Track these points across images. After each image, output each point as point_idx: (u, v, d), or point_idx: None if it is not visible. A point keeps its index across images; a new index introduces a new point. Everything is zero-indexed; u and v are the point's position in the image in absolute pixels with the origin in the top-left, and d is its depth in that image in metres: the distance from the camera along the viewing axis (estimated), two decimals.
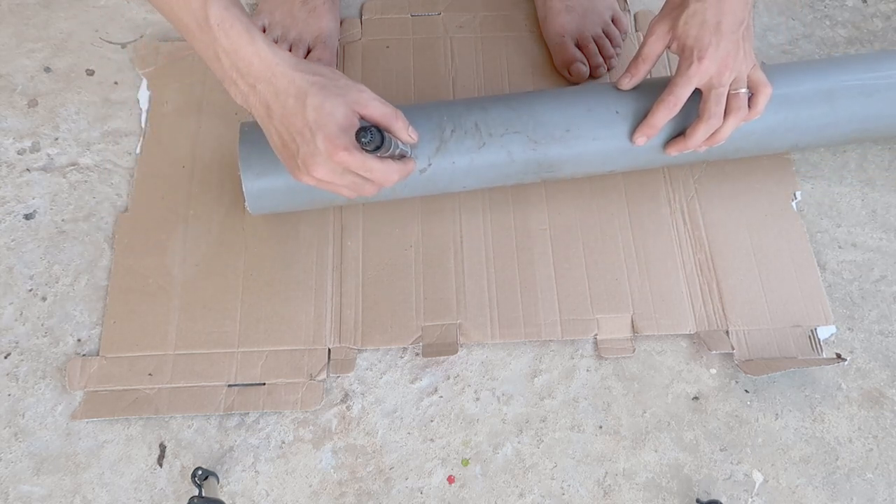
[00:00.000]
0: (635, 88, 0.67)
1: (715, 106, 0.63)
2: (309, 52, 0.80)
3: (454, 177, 0.66)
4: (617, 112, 0.66)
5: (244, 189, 0.64)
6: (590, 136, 0.66)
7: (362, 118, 0.56)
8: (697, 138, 0.65)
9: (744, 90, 0.63)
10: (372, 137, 0.52)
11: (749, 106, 0.64)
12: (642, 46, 0.66)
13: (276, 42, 0.80)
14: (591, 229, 0.72)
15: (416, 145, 0.63)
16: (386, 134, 0.54)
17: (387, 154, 0.56)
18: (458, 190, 0.69)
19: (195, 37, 0.54)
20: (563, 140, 0.66)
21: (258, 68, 0.54)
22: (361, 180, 0.57)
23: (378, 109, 0.57)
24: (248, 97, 0.55)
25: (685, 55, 0.63)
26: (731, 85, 0.63)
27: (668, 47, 0.65)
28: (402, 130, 0.59)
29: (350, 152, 0.54)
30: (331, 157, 0.54)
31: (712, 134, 0.64)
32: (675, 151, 0.67)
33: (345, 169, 0.55)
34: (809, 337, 0.68)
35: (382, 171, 0.57)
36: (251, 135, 0.64)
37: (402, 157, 0.61)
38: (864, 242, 0.74)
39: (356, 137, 0.52)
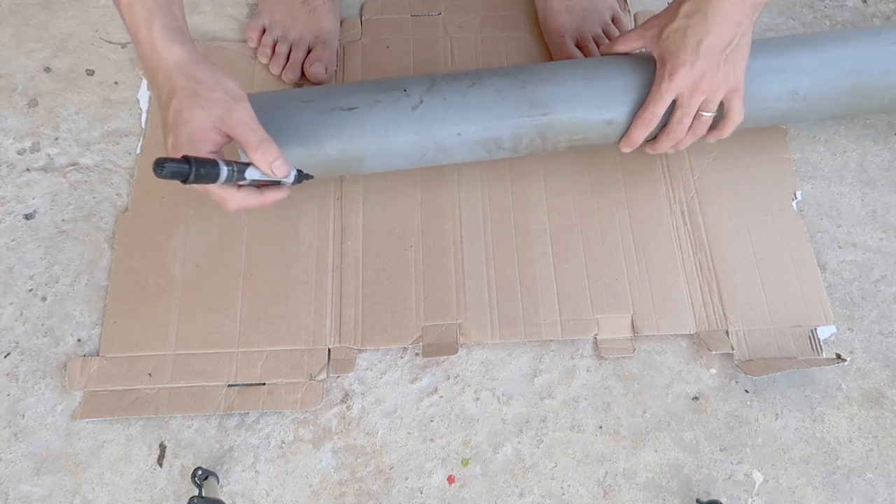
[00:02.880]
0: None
1: (677, 124, 0.64)
2: (309, 52, 0.80)
3: (446, 117, 0.65)
4: (605, 61, 0.68)
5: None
6: (579, 74, 0.67)
7: (228, 137, 0.54)
8: (661, 145, 0.67)
9: (708, 114, 0.64)
10: (168, 170, 0.48)
11: (718, 127, 0.65)
12: (625, 33, 0.69)
13: (277, 42, 0.80)
14: (591, 229, 0.72)
15: (288, 179, 0.59)
16: (216, 165, 0.51)
17: (222, 184, 0.53)
18: (452, 139, 0.65)
19: (119, 15, 0.56)
20: (551, 80, 0.66)
21: (149, 56, 0.54)
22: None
23: (240, 134, 0.54)
24: (148, 81, 0.57)
25: (660, 69, 0.63)
26: (700, 105, 0.63)
27: (647, 48, 0.66)
28: (262, 163, 0.54)
29: None
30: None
31: (674, 143, 0.67)
32: (649, 150, 0.69)
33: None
34: (809, 337, 0.68)
35: (219, 196, 0.55)
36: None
37: (275, 183, 0.58)
38: (864, 242, 0.74)
39: (153, 169, 0.48)
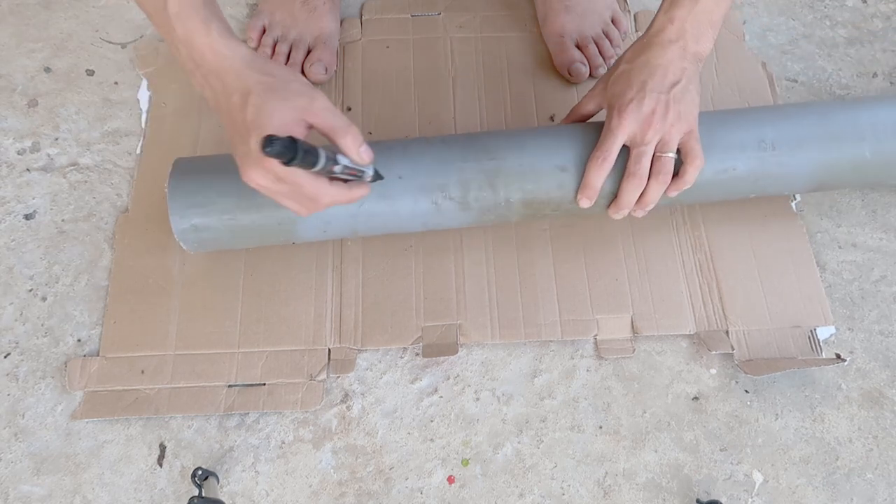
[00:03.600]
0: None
1: (635, 164, 0.61)
2: (309, 52, 0.80)
3: (388, 160, 0.62)
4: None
5: (174, 229, 0.62)
6: (531, 133, 0.66)
7: (311, 127, 0.53)
8: (626, 198, 0.62)
9: (670, 154, 0.60)
10: (276, 148, 0.47)
11: (680, 173, 0.62)
12: (576, 105, 0.67)
13: (277, 42, 0.80)
14: (591, 229, 0.72)
15: (370, 170, 0.58)
16: (315, 149, 0.50)
17: (318, 170, 0.52)
18: (393, 183, 0.63)
19: (156, 24, 0.54)
20: (501, 134, 0.65)
21: (211, 61, 0.53)
22: (299, 193, 0.54)
23: (327, 121, 0.53)
24: (204, 88, 0.55)
25: (609, 112, 0.62)
26: (658, 146, 0.60)
27: (601, 107, 0.65)
28: (351, 148, 0.54)
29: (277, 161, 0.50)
30: (260, 162, 0.51)
31: (641, 196, 0.62)
32: (613, 213, 0.64)
33: (276, 177, 0.52)
34: (809, 337, 0.68)
35: (314, 188, 0.53)
36: (183, 170, 0.63)
37: (356, 176, 0.57)
38: (864, 242, 0.74)
39: (261, 146, 0.47)
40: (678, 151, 0.61)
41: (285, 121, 0.51)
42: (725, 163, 0.64)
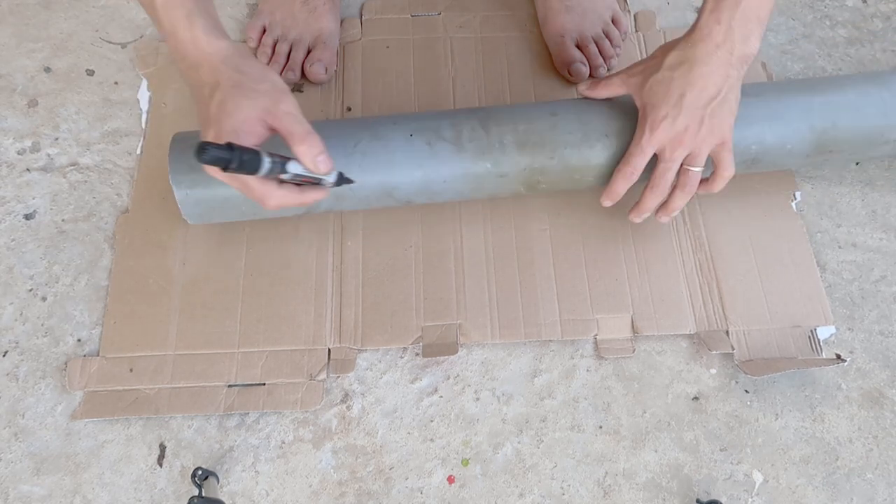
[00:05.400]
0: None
1: (660, 178, 0.61)
2: (309, 52, 0.80)
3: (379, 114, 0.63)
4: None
5: (177, 199, 0.63)
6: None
7: (272, 130, 0.53)
8: (646, 205, 0.64)
9: (697, 169, 0.61)
10: (210, 156, 0.47)
11: (708, 181, 0.62)
12: (607, 80, 0.65)
13: (277, 42, 0.80)
14: (591, 229, 0.72)
15: (330, 177, 0.57)
16: (257, 155, 0.50)
17: (262, 176, 0.52)
18: (386, 126, 0.64)
19: (150, 16, 0.55)
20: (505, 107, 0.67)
21: (192, 54, 0.53)
22: (249, 193, 0.54)
23: (287, 125, 0.52)
24: (187, 80, 0.55)
25: (642, 120, 0.61)
26: (685, 160, 0.60)
27: (631, 96, 0.63)
28: (306, 156, 0.53)
29: None
30: None
31: (664, 204, 0.63)
32: (634, 217, 0.66)
33: (228, 177, 0.53)
34: (809, 337, 0.68)
35: (260, 191, 0.53)
36: (182, 143, 0.63)
37: (313, 183, 0.56)
38: (864, 242, 0.74)
39: (195, 152, 0.47)
40: (709, 158, 0.61)
41: (245, 119, 0.51)
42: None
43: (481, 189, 0.66)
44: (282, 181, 0.54)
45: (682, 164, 0.61)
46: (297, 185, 0.56)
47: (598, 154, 0.64)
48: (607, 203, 0.65)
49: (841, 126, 0.66)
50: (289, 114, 0.53)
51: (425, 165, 0.64)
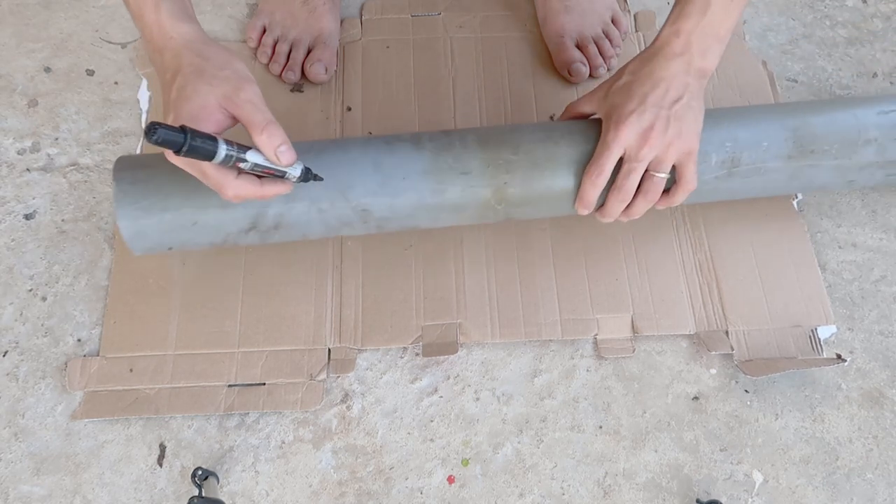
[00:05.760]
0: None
1: (624, 179, 0.59)
2: (309, 52, 0.80)
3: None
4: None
5: (121, 230, 0.59)
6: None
7: (233, 118, 0.52)
8: (610, 208, 0.61)
9: (661, 175, 0.59)
10: (160, 136, 0.45)
11: (669, 192, 0.61)
12: (573, 103, 0.65)
13: (277, 42, 0.80)
14: (591, 229, 0.72)
15: (294, 171, 0.54)
16: (214, 141, 0.48)
17: (219, 163, 0.50)
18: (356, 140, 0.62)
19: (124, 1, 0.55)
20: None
21: (156, 38, 0.53)
22: (206, 181, 0.52)
23: (248, 114, 0.51)
24: (154, 64, 0.54)
25: (606, 123, 0.59)
26: (651, 164, 0.58)
27: (597, 113, 0.62)
28: (266, 146, 0.51)
29: None
30: None
31: (626, 208, 0.61)
32: (600, 217, 0.63)
33: (186, 163, 0.51)
34: (809, 337, 0.68)
35: (216, 179, 0.51)
36: (126, 169, 0.61)
37: (276, 176, 0.54)
38: (864, 242, 0.74)
39: (145, 132, 0.45)
40: (673, 168, 0.60)
41: (203, 105, 0.50)
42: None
43: (445, 191, 0.61)
44: (242, 171, 0.52)
45: (647, 170, 0.59)
46: (259, 177, 0.53)
47: (564, 150, 0.61)
48: (583, 211, 0.62)
49: (812, 122, 0.65)
50: (250, 102, 0.51)
51: (383, 164, 0.61)
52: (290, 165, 0.53)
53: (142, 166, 0.61)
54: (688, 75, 0.58)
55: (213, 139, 0.48)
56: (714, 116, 0.63)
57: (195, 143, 0.47)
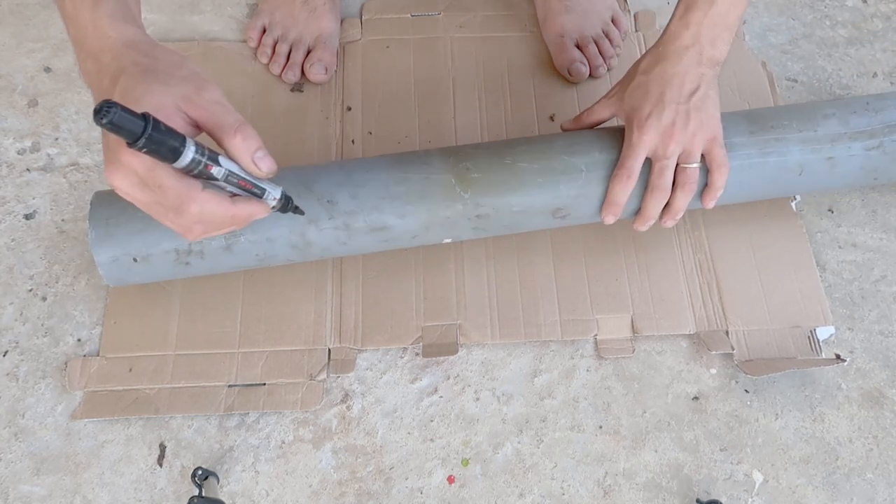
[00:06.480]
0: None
1: (658, 178, 0.60)
2: (309, 52, 0.80)
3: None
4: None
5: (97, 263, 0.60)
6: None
7: (195, 124, 0.43)
8: (649, 211, 0.62)
9: (693, 165, 0.60)
10: (113, 116, 0.35)
11: (708, 182, 0.61)
12: (589, 109, 0.66)
13: (277, 42, 0.80)
14: (591, 229, 0.72)
15: (274, 191, 0.47)
16: (180, 136, 0.40)
17: (185, 167, 0.41)
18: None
19: (56, 3, 0.47)
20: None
21: (91, 39, 0.45)
22: (164, 201, 0.43)
23: (213, 115, 0.43)
24: (84, 74, 0.47)
25: (628, 126, 0.61)
26: (680, 158, 0.60)
27: (617, 117, 0.64)
28: (241, 150, 0.43)
29: (135, 154, 0.39)
30: (119, 157, 0.41)
31: (667, 206, 0.62)
32: (639, 226, 0.64)
33: (140, 179, 0.42)
34: (809, 337, 0.68)
35: (177, 191, 0.42)
36: (101, 206, 0.60)
37: (253, 193, 0.45)
38: (864, 242, 0.74)
39: (94, 112, 0.36)
40: (703, 158, 0.61)
41: (158, 108, 0.41)
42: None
43: (409, 179, 0.61)
44: (207, 183, 0.44)
45: (677, 164, 0.61)
46: (230, 195, 0.45)
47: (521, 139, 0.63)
48: (609, 219, 0.62)
49: (763, 111, 0.67)
50: (217, 102, 0.43)
51: (350, 168, 0.61)
52: (270, 174, 0.45)
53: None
54: (700, 66, 0.58)
55: (181, 137, 0.41)
56: None
57: (158, 134, 0.38)
